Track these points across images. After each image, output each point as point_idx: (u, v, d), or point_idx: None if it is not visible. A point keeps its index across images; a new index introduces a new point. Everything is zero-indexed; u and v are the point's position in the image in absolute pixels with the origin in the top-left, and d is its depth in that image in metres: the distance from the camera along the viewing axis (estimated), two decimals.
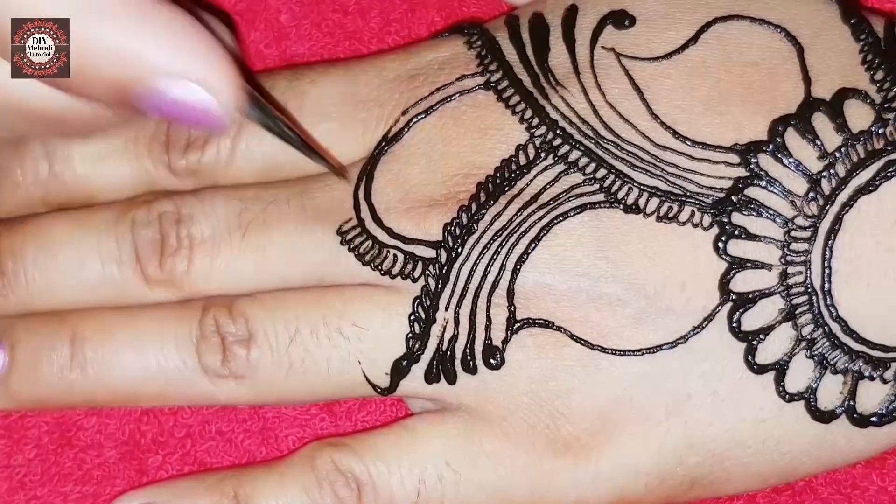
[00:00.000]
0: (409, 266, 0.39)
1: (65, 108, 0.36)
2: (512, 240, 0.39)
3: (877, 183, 0.38)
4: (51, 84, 0.34)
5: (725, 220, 0.38)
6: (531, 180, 0.39)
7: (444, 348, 0.39)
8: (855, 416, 0.38)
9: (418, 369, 0.40)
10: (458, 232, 0.39)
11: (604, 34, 0.40)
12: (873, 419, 0.38)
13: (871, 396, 0.38)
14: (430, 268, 0.39)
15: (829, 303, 0.38)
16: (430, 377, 0.39)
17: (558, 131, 0.39)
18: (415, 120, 0.41)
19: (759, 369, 0.38)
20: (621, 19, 0.40)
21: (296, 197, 0.41)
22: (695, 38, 0.40)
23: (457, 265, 0.39)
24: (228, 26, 0.42)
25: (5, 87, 0.35)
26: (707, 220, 0.38)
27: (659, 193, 0.38)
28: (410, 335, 0.39)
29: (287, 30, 0.46)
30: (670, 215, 0.38)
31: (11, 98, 0.35)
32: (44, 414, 0.43)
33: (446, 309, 0.39)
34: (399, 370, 0.40)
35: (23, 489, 0.43)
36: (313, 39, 0.46)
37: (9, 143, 0.42)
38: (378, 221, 0.40)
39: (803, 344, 0.38)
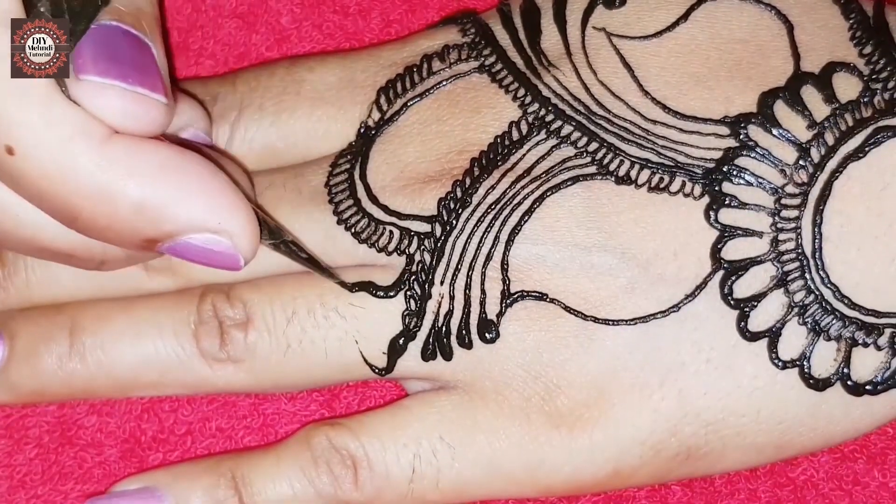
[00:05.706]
0: (405, 242, 0.40)
1: (77, 246, 0.37)
2: (505, 212, 0.39)
3: (865, 150, 0.38)
4: (71, 226, 0.35)
5: (716, 189, 0.38)
6: (524, 154, 0.39)
7: (439, 324, 0.39)
8: (849, 383, 0.38)
9: (414, 347, 0.40)
10: (452, 206, 0.39)
11: (594, 14, 0.41)
12: (868, 387, 0.38)
13: (866, 364, 0.38)
14: (426, 242, 0.39)
15: (820, 268, 0.38)
16: (427, 354, 0.39)
17: (550, 108, 0.40)
18: (410, 103, 0.41)
19: (751, 336, 0.38)
20: None
21: (291, 180, 0.42)
22: (685, 17, 0.40)
23: (451, 238, 0.39)
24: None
25: (21, 222, 0.36)
26: (698, 189, 0.38)
27: (650, 165, 0.39)
28: (407, 312, 0.40)
29: (288, 31, 0.47)
30: (661, 186, 0.38)
31: (24, 231, 0.36)
32: (44, 412, 0.43)
33: (441, 283, 0.39)
34: (396, 348, 0.40)
35: (23, 488, 0.43)
36: (314, 41, 0.47)
37: None
38: (374, 200, 0.40)
39: (795, 310, 0.38)
